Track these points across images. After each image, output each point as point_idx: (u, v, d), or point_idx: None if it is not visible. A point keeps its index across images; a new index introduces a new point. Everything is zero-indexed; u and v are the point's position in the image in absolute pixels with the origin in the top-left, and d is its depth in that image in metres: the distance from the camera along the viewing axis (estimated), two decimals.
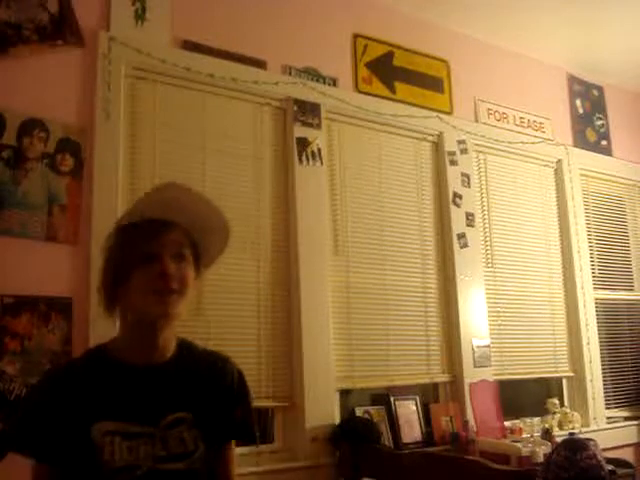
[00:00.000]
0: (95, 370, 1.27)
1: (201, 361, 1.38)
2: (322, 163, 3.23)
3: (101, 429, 1.20)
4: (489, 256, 3.81)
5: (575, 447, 2.12)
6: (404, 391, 3.32)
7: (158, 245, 1.26)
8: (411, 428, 3.22)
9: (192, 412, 1.28)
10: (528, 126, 4.19)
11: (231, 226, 1.43)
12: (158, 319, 1.26)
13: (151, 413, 1.25)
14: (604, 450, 2.27)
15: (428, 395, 3.47)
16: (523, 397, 3.96)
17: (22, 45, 2.51)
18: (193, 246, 1.34)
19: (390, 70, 3.63)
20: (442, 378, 3.48)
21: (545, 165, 4.27)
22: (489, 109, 4.03)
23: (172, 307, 1.25)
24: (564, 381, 4.08)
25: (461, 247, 3.62)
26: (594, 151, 4.53)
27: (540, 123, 4.26)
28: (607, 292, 4.38)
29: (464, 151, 3.79)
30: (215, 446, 1.32)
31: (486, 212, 3.87)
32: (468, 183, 3.75)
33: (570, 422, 3.79)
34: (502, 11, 3.81)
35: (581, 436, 2.40)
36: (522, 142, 4.10)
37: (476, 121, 3.94)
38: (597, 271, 4.34)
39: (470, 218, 3.71)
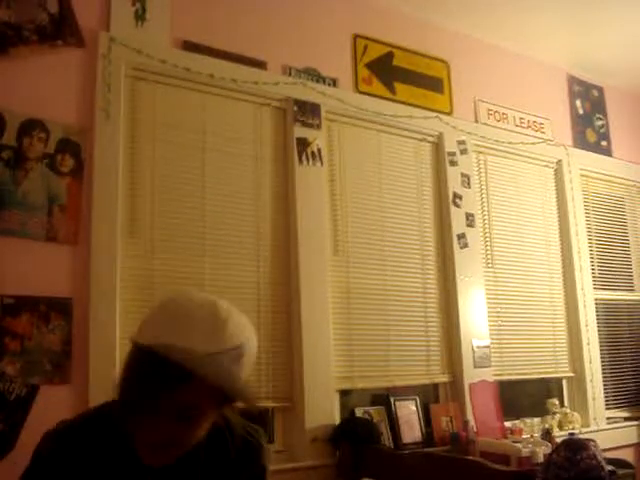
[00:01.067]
0: (109, 456, 1.15)
1: (232, 450, 1.23)
2: (322, 163, 3.23)
3: None
4: (489, 256, 3.81)
5: (575, 447, 2.11)
6: (404, 391, 3.32)
7: (165, 406, 1.07)
8: (411, 428, 3.22)
9: None
10: (528, 126, 4.20)
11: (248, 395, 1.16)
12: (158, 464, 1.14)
13: None
14: (604, 450, 2.26)
15: (428, 395, 3.47)
16: (523, 397, 3.96)
17: (22, 45, 2.51)
18: (220, 398, 1.13)
19: (390, 70, 3.64)
20: (442, 378, 3.47)
21: (545, 165, 4.27)
22: (489, 109, 4.03)
23: (172, 458, 1.13)
24: (564, 381, 4.08)
25: (461, 247, 3.62)
26: (594, 151, 4.53)
27: (540, 123, 4.26)
28: (607, 292, 4.38)
29: (464, 151, 3.79)
30: None
31: (486, 212, 3.87)
32: (468, 183, 3.76)
33: (570, 422, 3.79)
34: (502, 11, 3.81)
35: (581, 436, 2.40)
36: (522, 142, 4.10)
37: (476, 121, 3.94)
38: (597, 271, 4.34)
39: (470, 218, 3.71)
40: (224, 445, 1.22)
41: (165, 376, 1.05)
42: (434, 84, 3.80)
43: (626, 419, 4.20)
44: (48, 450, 1.16)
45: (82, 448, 1.15)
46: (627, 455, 3.72)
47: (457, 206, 3.67)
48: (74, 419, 1.22)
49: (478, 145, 3.91)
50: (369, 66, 3.56)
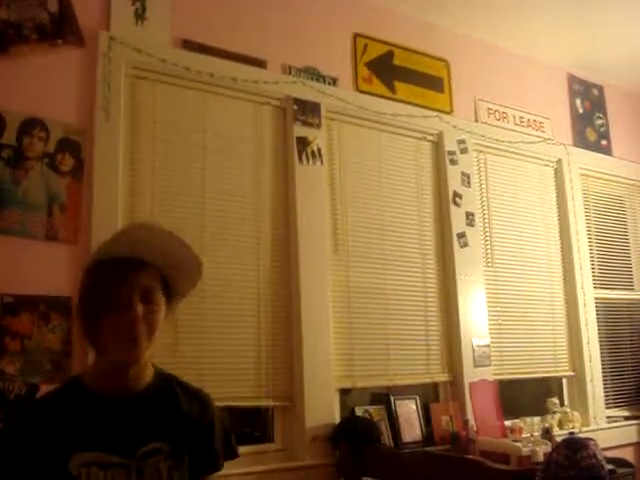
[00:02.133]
0: (72, 402, 1.27)
1: (180, 393, 1.37)
2: (322, 163, 3.23)
3: (78, 460, 1.21)
4: (489, 256, 3.81)
5: (575, 446, 2.12)
6: (404, 390, 3.32)
7: (127, 289, 1.24)
8: (411, 427, 3.22)
9: (168, 442, 1.29)
10: (528, 126, 4.19)
11: (202, 261, 1.37)
12: (127, 363, 1.27)
13: (127, 443, 1.25)
14: (604, 449, 2.26)
15: (428, 394, 3.47)
16: (523, 397, 3.96)
17: (22, 44, 2.51)
18: (164, 282, 1.32)
19: (390, 70, 3.63)
20: (442, 377, 3.48)
21: (545, 165, 4.27)
22: (489, 109, 4.03)
23: (141, 352, 1.24)
24: (564, 380, 4.09)
25: (461, 247, 3.62)
26: (594, 151, 4.53)
27: (540, 123, 4.26)
28: (607, 291, 4.38)
29: (464, 151, 3.79)
30: (195, 477, 1.33)
31: (486, 212, 3.87)
32: (468, 183, 3.75)
33: (570, 421, 3.79)
34: (502, 11, 3.81)
35: (581, 435, 2.40)
36: (522, 142, 4.10)
37: (476, 121, 3.94)
38: (597, 270, 4.34)
39: (470, 218, 3.71)
40: (170, 385, 1.37)
41: (122, 268, 1.25)
42: (434, 83, 3.80)
43: (626, 418, 4.20)
44: (16, 420, 1.30)
45: (47, 410, 1.26)
46: (627, 454, 3.73)
47: (457, 205, 3.67)
48: (41, 396, 1.38)
49: (478, 144, 3.91)
50: (369, 65, 3.56)
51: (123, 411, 1.28)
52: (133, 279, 1.25)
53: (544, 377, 3.96)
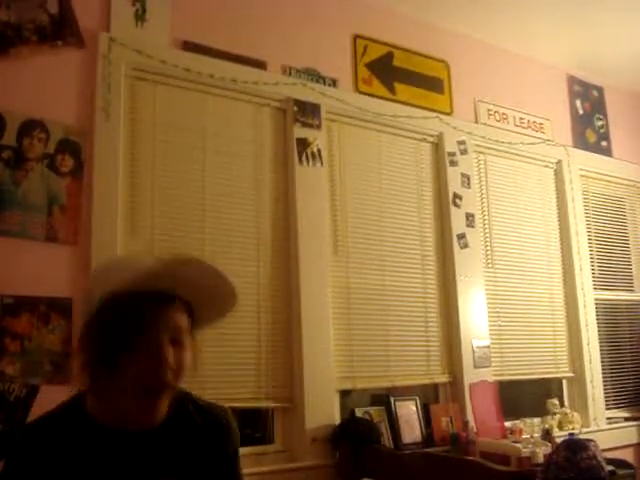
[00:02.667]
0: (75, 434, 1.15)
1: (197, 418, 1.26)
2: (322, 164, 3.23)
3: None
4: (489, 257, 3.81)
5: (575, 448, 2.12)
6: (404, 392, 3.32)
7: (157, 332, 1.12)
8: (411, 429, 3.21)
9: (185, 478, 1.21)
10: (528, 127, 4.20)
11: (238, 293, 1.25)
12: (147, 411, 1.17)
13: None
14: (604, 451, 2.26)
15: (428, 396, 3.47)
16: (523, 398, 3.96)
17: (22, 46, 2.51)
18: (190, 316, 1.21)
19: (390, 71, 3.64)
20: (442, 379, 3.47)
21: (545, 166, 4.27)
22: (489, 110, 4.03)
23: (160, 412, 1.16)
24: (564, 382, 4.08)
25: (461, 248, 3.62)
26: (594, 152, 4.53)
27: (540, 124, 4.26)
28: (607, 293, 4.38)
29: (464, 152, 3.79)
30: None
31: (486, 213, 3.87)
32: (468, 184, 3.75)
33: (570, 423, 3.79)
34: (502, 12, 3.81)
35: (581, 437, 2.40)
36: (522, 143, 4.10)
37: (476, 122, 3.94)
38: (597, 272, 4.34)
39: (470, 219, 3.71)
40: (187, 414, 1.25)
41: (151, 306, 1.11)
42: (434, 84, 3.80)
43: (626, 419, 4.20)
44: (16, 452, 1.16)
45: (49, 442, 1.14)
46: (627, 455, 3.72)
47: (457, 206, 3.67)
48: (38, 418, 1.22)
49: (478, 145, 3.91)
50: (369, 66, 3.56)
51: (130, 448, 1.16)
52: (163, 317, 1.13)
53: (544, 378, 3.96)
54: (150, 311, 1.12)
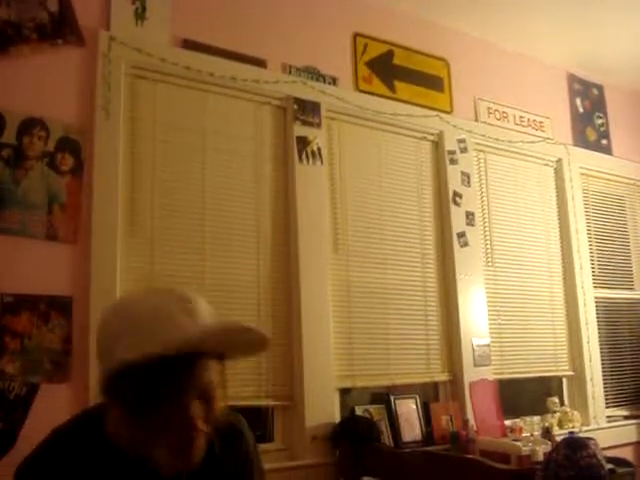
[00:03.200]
0: (95, 461, 1.08)
1: (216, 446, 1.20)
2: (322, 162, 3.23)
3: None
4: (489, 255, 3.81)
5: (575, 446, 2.12)
6: (404, 390, 3.32)
7: (186, 396, 1.05)
8: (411, 427, 3.22)
9: None
10: (528, 125, 4.19)
11: (269, 342, 1.18)
12: (178, 470, 1.10)
13: None
14: (604, 449, 2.27)
15: (428, 394, 3.47)
16: (523, 396, 3.96)
17: (22, 44, 2.51)
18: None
19: (390, 69, 3.63)
20: (442, 377, 3.48)
21: (545, 164, 4.27)
22: (489, 108, 4.03)
23: (196, 460, 1.07)
24: (564, 380, 4.08)
25: (461, 246, 3.62)
26: (594, 150, 4.53)
27: (540, 122, 4.26)
28: (607, 291, 4.38)
29: (464, 150, 3.79)
30: None
31: (486, 211, 3.87)
32: (468, 182, 3.75)
33: (570, 421, 3.79)
34: (502, 10, 3.81)
35: (581, 435, 2.40)
36: (522, 141, 4.10)
37: (476, 120, 3.94)
38: (597, 270, 4.34)
39: (470, 217, 3.71)
40: (210, 449, 1.16)
41: (180, 365, 1.03)
42: (434, 83, 3.80)
43: (626, 418, 4.20)
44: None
45: (64, 469, 1.08)
46: (627, 454, 3.73)
47: (457, 205, 3.67)
48: (52, 440, 1.14)
49: (478, 144, 3.91)
50: (369, 65, 3.56)
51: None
52: (202, 376, 1.07)
53: (544, 376, 3.96)
54: (195, 372, 1.05)
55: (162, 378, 1.02)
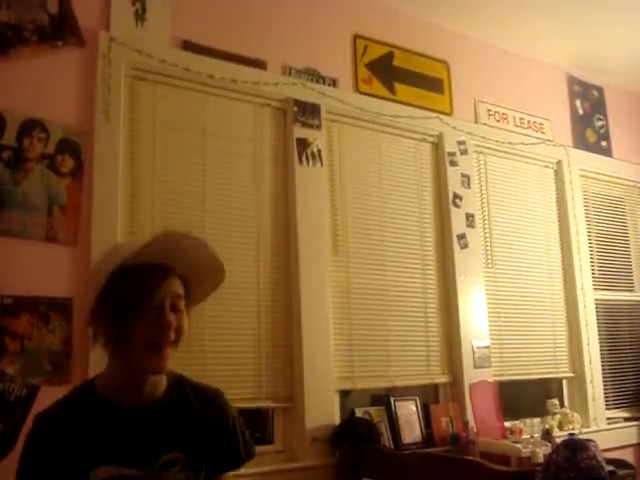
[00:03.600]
0: (86, 413, 1.26)
1: (193, 398, 1.37)
2: (322, 164, 3.23)
3: (97, 475, 1.21)
4: (489, 257, 3.81)
5: (575, 448, 2.12)
6: (404, 392, 3.32)
7: (160, 296, 1.24)
8: (411, 429, 3.22)
9: (185, 452, 1.29)
10: (528, 127, 4.20)
11: (224, 266, 1.37)
12: (152, 371, 1.27)
13: (144, 455, 1.25)
14: (604, 451, 2.26)
15: (428, 396, 3.47)
16: (523, 398, 3.96)
17: (22, 46, 2.51)
18: (185, 289, 1.32)
19: (390, 71, 3.64)
20: (442, 379, 3.47)
21: (545, 166, 4.27)
22: (489, 110, 4.03)
23: (167, 361, 1.26)
24: (564, 382, 4.08)
25: (461, 248, 3.62)
26: (594, 152, 4.53)
27: (540, 124, 4.26)
28: (607, 293, 4.38)
29: (464, 152, 3.79)
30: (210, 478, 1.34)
31: (486, 213, 3.87)
32: (468, 184, 3.76)
33: (570, 423, 3.79)
34: (502, 12, 3.81)
35: (581, 437, 2.39)
36: (522, 143, 4.10)
37: (476, 122, 3.94)
38: (597, 272, 4.34)
39: (470, 219, 3.71)
40: (184, 393, 1.36)
41: (155, 274, 1.25)
42: (434, 84, 3.80)
43: (626, 419, 4.20)
44: (32, 438, 1.26)
45: (63, 422, 1.25)
46: (627, 455, 3.72)
47: (457, 206, 3.67)
48: (53, 403, 1.33)
49: (478, 145, 3.91)
50: (369, 66, 3.56)
51: (139, 422, 1.27)
52: (165, 286, 1.26)
53: (544, 378, 3.96)
54: (155, 280, 1.25)
55: (141, 283, 1.23)
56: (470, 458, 2.79)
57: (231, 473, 1.40)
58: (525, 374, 3.81)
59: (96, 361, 2.42)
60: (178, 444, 1.28)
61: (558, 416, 3.78)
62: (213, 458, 1.33)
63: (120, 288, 1.23)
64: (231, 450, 1.37)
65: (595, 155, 4.52)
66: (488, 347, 3.59)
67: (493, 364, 3.60)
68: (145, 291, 1.23)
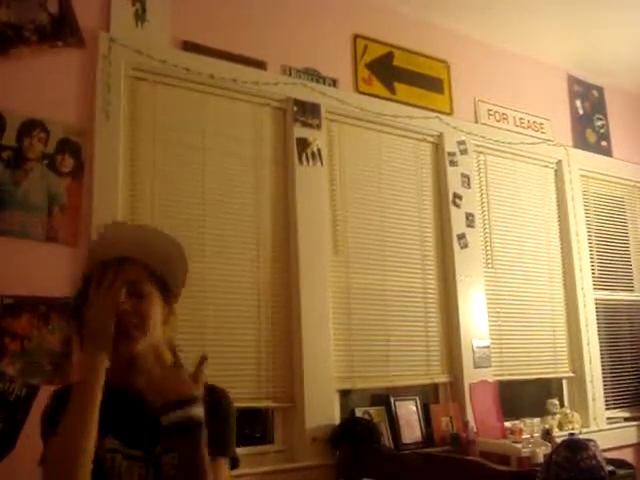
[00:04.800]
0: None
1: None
2: (322, 164, 3.23)
3: (106, 445, 1.24)
4: (489, 257, 3.81)
5: (575, 448, 2.11)
6: (404, 391, 3.32)
7: (111, 281, 1.27)
8: (411, 429, 3.22)
9: None
10: (528, 127, 4.20)
11: (182, 245, 1.42)
12: (124, 355, 1.29)
13: (146, 439, 1.27)
14: (604, 451, 2.26)
15: (428, 395, 3.47)
16: (523, 398, 3.96)
17: (22, 46, 2.51)
18: (158, 280, 1.35)
19: (390, 71, 3.64)
20: (442, 379, 3.48)
21: (545, 166, 4.27)
22: (489, 110, 4.03)
23: (134, 344, 1.29)
24: (564, 382, 4.09)
25: (461, 248, 3.62)
26: (594, 152, 4.53)
27: (540, 124, 4.26)
28: (607, 293, 4.38)
29: (464, 152, 3.79)
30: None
31: (486, 213, 3.87)
32: (468, 184, 3.76)
33: (570, 423, 3.79)
34: (502, 12, 3.81)
35: (581, 437, 2.39)
36: (522, 143, 4.10)
37: (476, 122, 3.94)
38: (597, 272, 4.34)
39: (470, 219, 3.71)
40: None
41: (107, 266, 1.29)
42: (434, 84, 3.80)
43: (626, 419, 4.20)
44: (49, 405, 1.32)
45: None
46: (627, 455, 3.72)
47: (457, 206, 3.67)
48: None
49: (478, 145, 3.91)
50: (369, 66, 3.56)
51: (141, 407, 1.29)
52: (117, 274, 1.28)
53: (544, 378, 3.96)
54: (105, 270, 1.28)
55: (93, 273, 1.29)
56: (470, 458, 2.80)
57: (228, 473, 1.39)
58: (525, 374, 3.81)
59: None
60: None
61: (558, 416, 3.79)
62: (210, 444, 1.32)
63: (81, 285, 1.33)
64: (217, 438, 1.34)
65: (595, 155, 4.52)
66: (488, 347, 3.60)
67: (493, 364, 3.60)
68: (96, 278, 1.28)
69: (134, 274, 1.31)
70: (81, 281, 1.34)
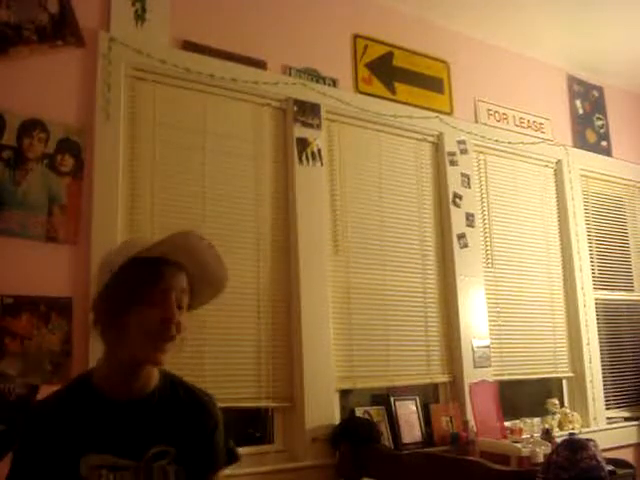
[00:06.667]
0: (80, 403, 1.28)
1: (184, 397, 1.37)
2: (322, 163, 3.23)
3: (88, 463, 1.23)
4: (489, 256, 3.81)
5: (575, 447, 2.12)
6: (404, 391, 3.32)
7: (166, 288, 1.26)
8: (411, 428, 3.22)
9: (174, 446, 1.30)
10: (528, 126, 4.20)
11: (228, 278, 1.40)
12: (151, 363, 1.28)
13: (135, 446, 1.26)
14: (604, 450, 2.26)
15: (428, 395, 3.47)
16: (523, 397, 3.96)
17: (22, 45, 2.51)
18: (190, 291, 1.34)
19: (390, 70, 3.64)
20: (442, 378, 3.48)
21: (545, 165, 4.27)
22: (489, 109, 4.03)
23: (165, 354, 1.26)
24: (564, 381, 4.08)
25: (461, 247, 3.62)
26: (594, 151, 4.53)
27: (540, 124, 4.26)
28: (607, 292, 4.39)
29: (464, 151, 3.79)
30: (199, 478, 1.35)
31: (486, 212, 3.87)
32: (468, 183, 3.76)
33: (570, 422, 3.79)
34: (502, 11, 3.81)
35: (581, 436, 2.40)
36: (522, 142, 4.11)
37: (476, 121, 3.94)
38: (597, 271, 4.34)
39: (470, 218, 3.71)
40: (175, 391, 1.37)
41: (162, 267, 1.26)
42: (434, 84, 3.80)
43: (626, 419, 4.20)
44: (25, 427, 1.30)
45: (55, 412, 1.28)
46: (627, 455, 3.72)
47: (457, 206, 3.67)
48: (50, 393, 1.36)
49: (478, 145, 3.91)
50: (369, 66, 3.56)
51: (131, 415, 1.29)
52: (172, 279, 1.27)
53: (544, 378, 3.96)
54: (162, 270, 1.26)
55: (149, 271, 1.25)
56: (470, 458, 2.79)
57: (221, 473, 1.41)
58: (525, 374, 3.81)
59: (96, 360, 2.42)
60: (167, 438, 1.30)
61: (558, 416, 3.79)
62: (197, 457, 1.34)
63: (127, 274, 1.25)
64: (207, 453, 1.37)
65: (595, 155, 4.53)
66: (488, 347, 3.60)
67: (493, 363, 3.60)
68: (150, 277, 1.24)
69: (185, 283, 1.30)
70: (124, 270, 1.25)
